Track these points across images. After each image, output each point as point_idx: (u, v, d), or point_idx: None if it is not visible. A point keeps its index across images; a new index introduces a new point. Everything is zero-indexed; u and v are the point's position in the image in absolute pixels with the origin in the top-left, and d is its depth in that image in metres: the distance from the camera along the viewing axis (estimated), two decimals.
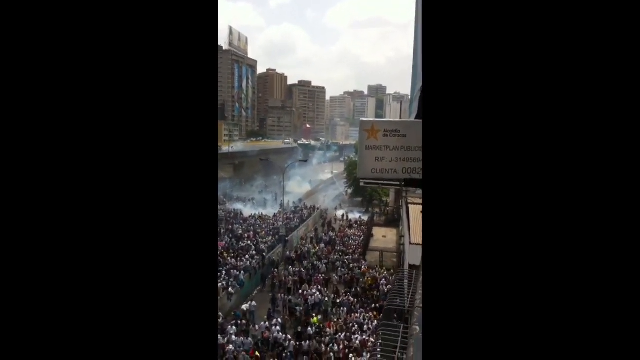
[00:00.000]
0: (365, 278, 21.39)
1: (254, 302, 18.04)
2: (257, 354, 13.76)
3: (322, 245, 26.71)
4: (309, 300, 18.29)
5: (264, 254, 23.33)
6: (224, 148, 61.90)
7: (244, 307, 17.46)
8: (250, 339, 14.65)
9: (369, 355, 12.40)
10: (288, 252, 25.26)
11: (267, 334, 15.00)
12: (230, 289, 18.52)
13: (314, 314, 17.17)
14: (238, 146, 67.90)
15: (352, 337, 15.00)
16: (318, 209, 37.54)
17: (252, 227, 29.33)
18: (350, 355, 13.87)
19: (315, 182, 58.30)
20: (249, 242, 25.32)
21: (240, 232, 27.50)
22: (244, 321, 16.00)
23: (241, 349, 13.90)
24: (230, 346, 13.76)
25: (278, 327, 15.46)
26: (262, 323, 15.88)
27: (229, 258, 22.13)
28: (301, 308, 17.83)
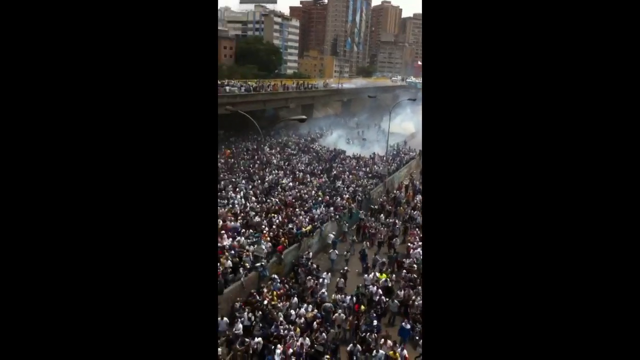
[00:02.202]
0: None
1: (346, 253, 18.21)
2: (362, 307, 13.70)
3: (419, 196, 25.47)
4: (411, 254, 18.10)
5: (359, 197, 23.53)
6: (333, 84, 62.09)
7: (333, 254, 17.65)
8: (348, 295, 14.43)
9: None
10: (383, 198, 25.32)
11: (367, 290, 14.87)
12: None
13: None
14: (348, 83, 67.70)
15: None
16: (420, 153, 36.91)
17: (349, 168, 29.72)
18: None
19: (420, 124, 56.22)
20: (342, 184, 25.66)
21: (335, 172, 27.97)
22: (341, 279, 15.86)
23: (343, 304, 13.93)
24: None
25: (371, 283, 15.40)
26: (366, 276, 15.93)
27: (323, 197, 23.03)
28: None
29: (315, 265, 16.53)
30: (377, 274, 16.10)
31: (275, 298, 13.67)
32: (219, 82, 38.84)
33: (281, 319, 12.41)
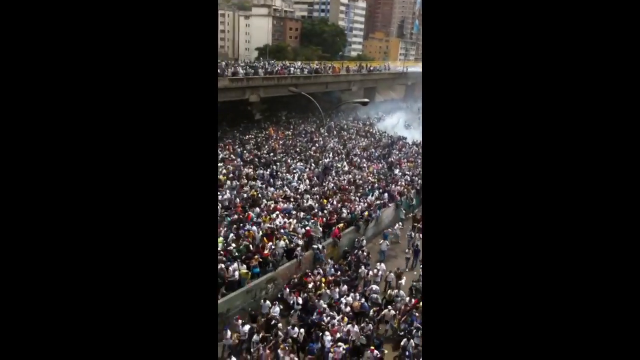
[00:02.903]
0: None
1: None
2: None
3: None
4: None
5: (417, 186, 22.61)
6: (398, 67, 60.32)
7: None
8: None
9: None
10: None
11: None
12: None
13: None
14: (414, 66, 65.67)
15: None
16: None
17: (407, 155, 28.78)
18: None
19: None
20: (399, 171, 24.85)
21: (392, 159, 27.16)
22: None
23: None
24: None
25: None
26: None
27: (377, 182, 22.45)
28: None
29: (366, 253, 16.03)
30: None
31: (324, 284, 13.39)
32: (283, 63, 39.02)
33: (325, 306, 12.11)
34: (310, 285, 13.07)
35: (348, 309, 12.28)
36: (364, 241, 17.06)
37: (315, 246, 15.02)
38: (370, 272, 14.66)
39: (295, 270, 14.25)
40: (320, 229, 16.03)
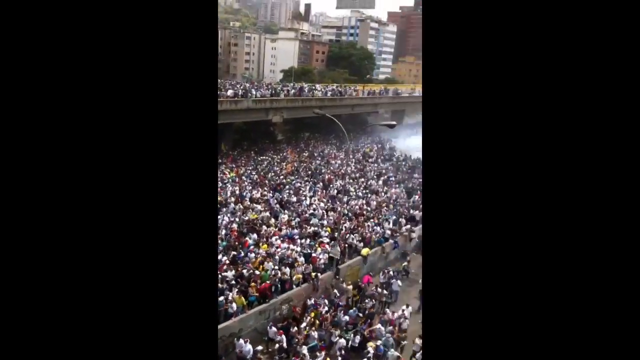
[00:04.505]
0: None
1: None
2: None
3: None
4: None
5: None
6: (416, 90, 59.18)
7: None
8: None
9: None
10: None
11: None
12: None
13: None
14: None
15: None
16: None
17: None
18: None
19: None
20: (417, 197, 23.06)
21: (412, 185, 25.45)
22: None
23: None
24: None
25: None
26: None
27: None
28: None
29: (387, 291, 14.42)
30: None
31: (316, 323, 11.81)
32: (309, 85, 38.60)
33: (305, 352, 10.44)
34: (303, 324, 11.50)
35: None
36: (389, 275, 15.36)
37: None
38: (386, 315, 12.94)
39: (311, 292, 13.76)
40: (339, 250, 15.23)
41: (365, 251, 16.33)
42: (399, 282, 14.96)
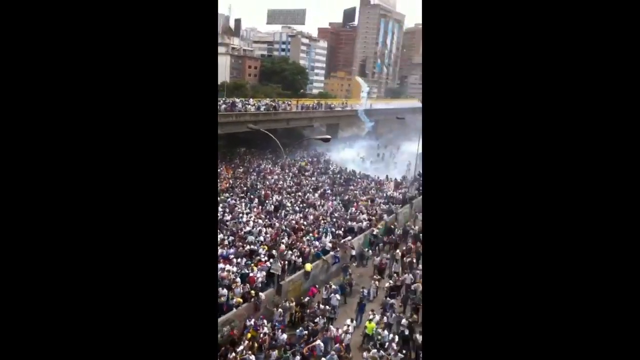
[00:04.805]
0: None
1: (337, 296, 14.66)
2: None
3: None
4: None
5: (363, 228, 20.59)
6: (357, 105, 60.51)
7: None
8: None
9: None
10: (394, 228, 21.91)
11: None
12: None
13: None
14: (376, 103, 66.39)
15: None
16: None
17: (363, 192, 27.27)
18: None
19: None
20: (356, 209, 23.21)
21: (348, 197, 25.43)
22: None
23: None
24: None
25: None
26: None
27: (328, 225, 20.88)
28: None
29: (331, 307, 13.99)
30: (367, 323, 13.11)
31: (254, 345, 11.16)
32: (241, 100, 37.89)
33: None
34: (240, 348, 10.81)
35: None
36: (331, 289, 14.88)
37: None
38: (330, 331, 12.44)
39: (253, 312, 13.09)
40: (280, 265, 14.67)
41: (308, 267, 15.98)
42: (338, 297, 14.59)
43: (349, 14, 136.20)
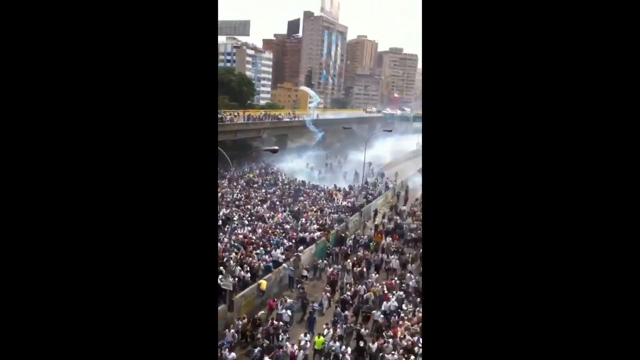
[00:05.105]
0: None
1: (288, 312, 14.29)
2: None
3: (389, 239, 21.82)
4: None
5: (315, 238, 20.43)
6: (304, 116, 60.83)
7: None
8: None
9: None
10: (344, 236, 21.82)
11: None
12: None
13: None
14: (323, 114, 66.99)
15: None
16: (392, 185, 34.82)
17: (313, 202, 27.22)
18: None
19: (396, 154, 55.64)
20: (305, 219, 23.11)
21: (298, 208, 25.25)
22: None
23: None
24: None
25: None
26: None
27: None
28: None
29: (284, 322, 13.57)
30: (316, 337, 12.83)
31: None
32: None
33: None
34: None
35: None
36: (286, 304, 14.50)
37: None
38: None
39: None
40: (231, 280, 14.35)
41: (263, 284, 15.63)
42: (289, 313, 14.24)
43: (293, 26, 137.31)
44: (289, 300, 14.84)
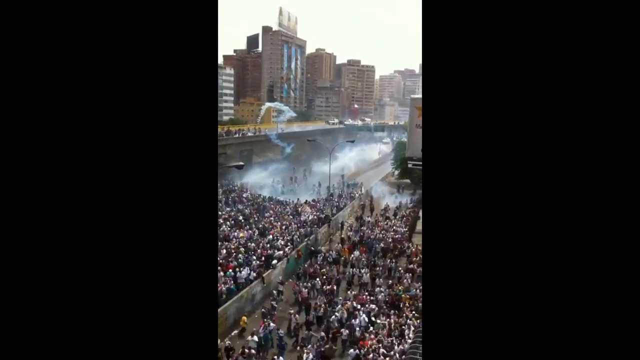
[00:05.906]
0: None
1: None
2: None
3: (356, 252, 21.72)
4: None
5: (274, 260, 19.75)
6: (268, 130, 60.77)
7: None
8: None
9: None
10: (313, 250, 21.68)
11: None
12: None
13: None
14: (287, 127, 67.09)
15: None
16: (358, 195, 35.07)
17: (279, 218, 26.89)
18: None
19: (360, 164, 56.24)
20: (272, 236, 22.65)
21: (263, 225, 24.78)
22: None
23: None
24: None
25: None
26: None
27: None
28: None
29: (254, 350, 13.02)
30: None
31: None
32: None
33: None
34: None
35: None
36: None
37: None
38: None
39: None
40: None
41: (243, 321, 15.13)
42: (255, 339, 13.59)
43: (252, 41, 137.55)
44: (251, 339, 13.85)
